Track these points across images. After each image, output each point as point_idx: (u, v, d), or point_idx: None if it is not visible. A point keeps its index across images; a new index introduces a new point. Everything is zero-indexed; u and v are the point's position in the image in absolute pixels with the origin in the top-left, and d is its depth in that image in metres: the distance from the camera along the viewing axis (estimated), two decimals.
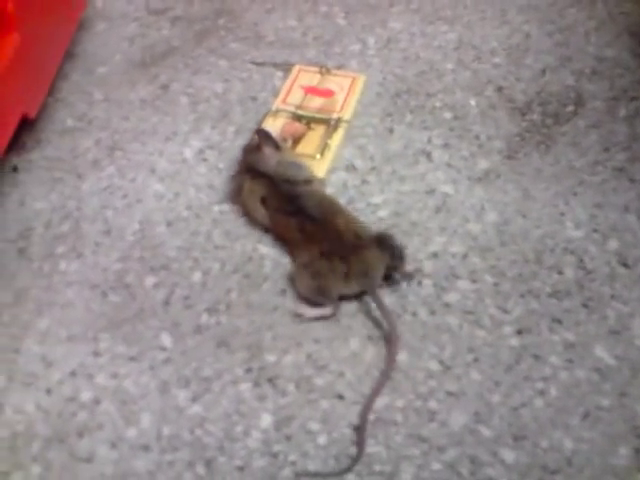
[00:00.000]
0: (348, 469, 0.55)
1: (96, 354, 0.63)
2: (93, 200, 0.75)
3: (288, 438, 0.57)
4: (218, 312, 0.65)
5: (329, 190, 0.75)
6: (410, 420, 0.58)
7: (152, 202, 0.75)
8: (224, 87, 0.88)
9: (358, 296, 0.66)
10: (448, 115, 0.83)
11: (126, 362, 0.62)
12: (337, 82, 0.86)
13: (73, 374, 0.62)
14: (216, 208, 0.74)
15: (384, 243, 0.66)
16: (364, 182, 0.76)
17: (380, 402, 0.59)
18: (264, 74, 0.89)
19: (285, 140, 0.79)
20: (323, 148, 0.78)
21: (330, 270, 0.65)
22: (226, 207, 0.74)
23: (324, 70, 0.87)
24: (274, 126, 0.80)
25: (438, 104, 0.84)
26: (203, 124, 0.83)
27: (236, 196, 0.75)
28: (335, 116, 0.81)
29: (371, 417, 0.58)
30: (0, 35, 0.68)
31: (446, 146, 0.79)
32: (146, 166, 0.79)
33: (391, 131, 0.81)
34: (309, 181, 0.72)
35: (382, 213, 0.73)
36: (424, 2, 0.99)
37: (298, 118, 0.82)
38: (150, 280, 0.68)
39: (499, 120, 0.82)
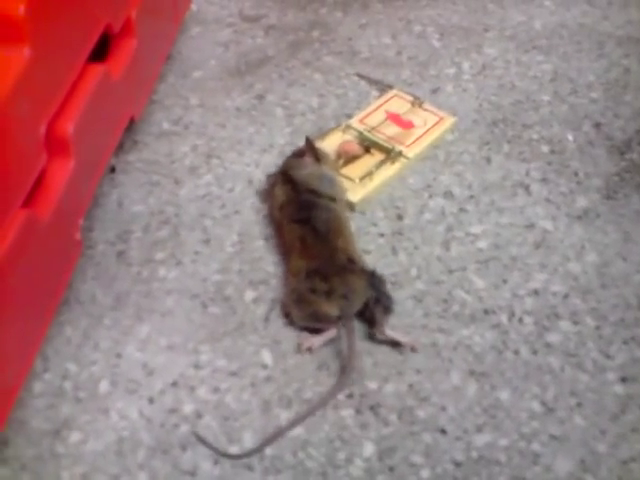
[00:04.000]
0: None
1: (197, 366, 0.63)
2: (191, 207, 0.76)
3: (391, 469, 0.57)
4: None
5: (427, 216, 0.75)
6: (513, 461, 0.57)
7: (250, 214, 0.75)
8: (319, 102, 0.88)
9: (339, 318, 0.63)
10: (545, 148, 0.82)
11: (227, 377, 0.62)
12: (423, 117, 0.84)
13: (174, 385, 0.62)
14: None
15: (373, 282, 0.64)
16: (462, 210, 0.76)
17: (482, 439, 0.59)
18: (360, 91, 0.89)
19: (339, 157, 0.79)
20: (365, 174, 0.77)
21: (311, 290, 0.64)
22: None
23: (417, 102, 0.85)
24: (336, 141, 0.80)
25: (535, 136, 0.84)
26: (299, 138, 0.83)
27: (267, 195, 0.75)
28: (397, 149, 0.80)
29: (474, 454, 0.58)
30: (122, 41, 0.68)
31: (544, 180, 0.79)
32: (243, 177, 0.79)
33: (489, 160, 0.81)
34: (333, 199, 0.71)
35: (481, 244, 0.73)
36: (519, 29, 0.99)
37: (362, 139, 0.81)
38: (250, 294, 0.68)
39: (597, 158, 0.82)
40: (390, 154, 0.79)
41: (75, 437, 0.58)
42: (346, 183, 0.76)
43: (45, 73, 0.52)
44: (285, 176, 0.73)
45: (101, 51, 0.70)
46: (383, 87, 0.89)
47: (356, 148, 0.80)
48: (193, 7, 1.01)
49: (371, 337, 0.65)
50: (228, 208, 0.76)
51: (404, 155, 0.80)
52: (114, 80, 0.68)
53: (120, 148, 0.81)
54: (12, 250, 0.50)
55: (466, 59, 0.94)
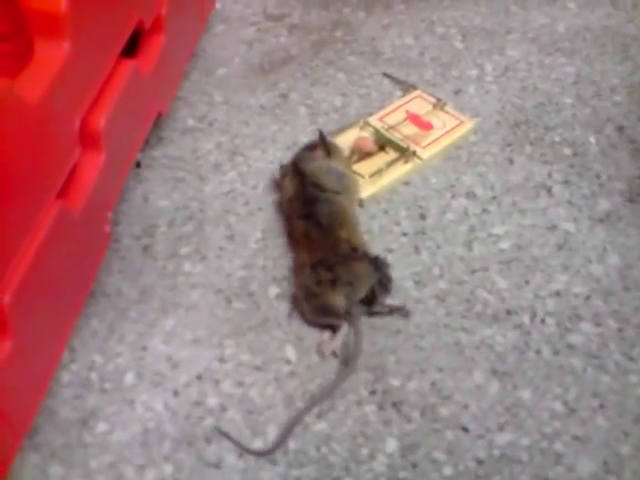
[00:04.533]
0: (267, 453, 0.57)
1: (221, 360, 0.64)
2: (215, 204, 0.76)
3: (414, 466, 0.58)
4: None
5: (449, 216, 0.76)
6: (535, 460, 0.58)
7: (274, 212, 0.76)
8: (342, 101, 0.88)
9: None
10: (568, 151, 0.83)
11: (251, 371, 0.63)
12: (443, 119, 0.84)
13: (199, 378, 0.63)
14: None
15: (377, 265, 0.66)
16: (485, 211, 0.76)
17: (504, 438, 0.59)
18: (383, 91, 0.90)
19: (353, 153, 0.79)
20: (375, 172, 0.77)
21: (317, 283, 0.64)
22: None
23: (440, 104, 0.85)
24: (352, 137, 0.81)
25: (557, 139, 0.84)
26: None
27: (278, 185, 0.76)
28: (412, 149, 0.80)
29: (495, 453, 0.58)
30: (152, 37, 0.69)
31: (566, 183, 0.79)
32: (266, 174, 0.80)
33: (511, 161, 0.81)
34: (338, 192, 0.71)
35: (504, 245, 0.73)
36: (542, 32, 0.99)
37: (378, 137, 0.81)
38: (273, 290, 0.69)
39: (620, 161, 0.82)
40: (404, 153, 0.80)
41: (102, 427, 0.59)
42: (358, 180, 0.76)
43: (82, 68, 0.53)
44: (295, 168, 0.74)
45: (128, 48, 0.71)
46: (408, 87, 0.89)
47: (370, 145, 0.80)
48: (217, 5, 1.01)
49: (370, 313, 0.66)
50: (252, 205, 0.77)
51: (418, 156, 0.80)
52: (144, 75, 0.69)
53: (146, 144, 0.82)
54: (46, 239, 0.51)
55: (488, 61, 0.95)
